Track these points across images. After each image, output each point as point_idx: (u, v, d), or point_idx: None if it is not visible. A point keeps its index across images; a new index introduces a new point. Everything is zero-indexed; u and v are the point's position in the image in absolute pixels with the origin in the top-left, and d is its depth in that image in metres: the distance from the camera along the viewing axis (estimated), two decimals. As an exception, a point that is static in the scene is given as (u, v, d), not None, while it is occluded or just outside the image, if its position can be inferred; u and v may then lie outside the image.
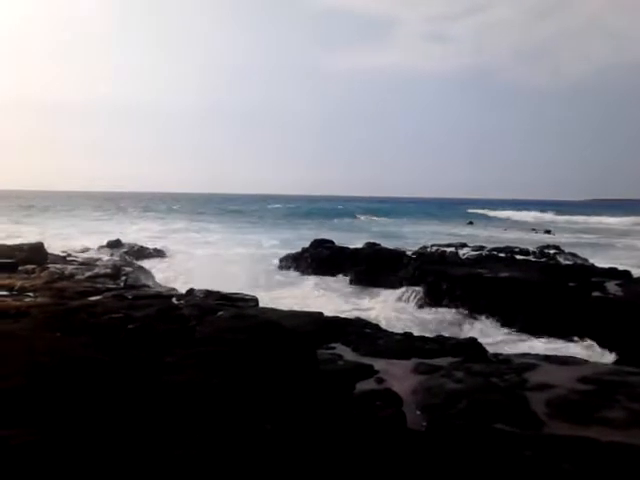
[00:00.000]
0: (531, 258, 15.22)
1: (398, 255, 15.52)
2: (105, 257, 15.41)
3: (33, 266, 10.82)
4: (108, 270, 11.59)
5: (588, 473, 3.38)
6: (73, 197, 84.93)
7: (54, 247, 16.65)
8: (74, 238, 23.57)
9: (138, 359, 4.16)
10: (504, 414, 4.54)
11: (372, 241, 19.27)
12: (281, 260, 18.06)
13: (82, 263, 13.31)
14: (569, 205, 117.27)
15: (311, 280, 15.62)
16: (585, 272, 12.62)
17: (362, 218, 54.72)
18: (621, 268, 13.65)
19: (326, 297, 13.06)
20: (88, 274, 10.98)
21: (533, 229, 40.59)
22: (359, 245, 18.11)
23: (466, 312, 10.70)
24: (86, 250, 17.03)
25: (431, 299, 11.55)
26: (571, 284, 11.16)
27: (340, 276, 15.52)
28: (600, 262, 16.45)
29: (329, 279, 15.58)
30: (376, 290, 13.45)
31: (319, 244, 17.97)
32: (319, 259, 16.81)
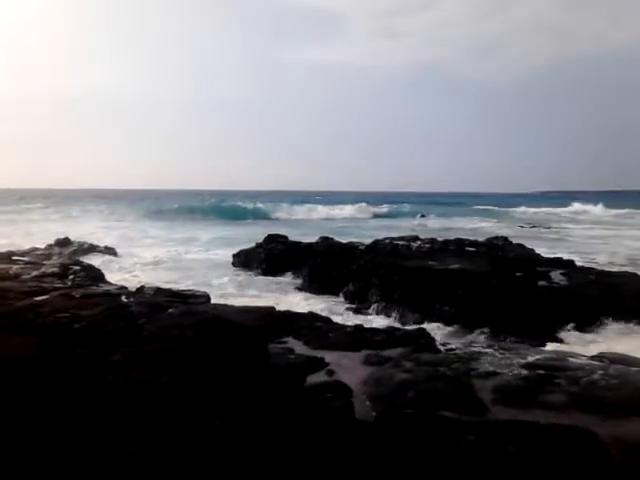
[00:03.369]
0: (480, 249, 15.51)
1: (351, 249, 15.62)
2: (53, 256, 15.07)
3: (-24, 267, 10.49)
4: (55, 269, 11.31)
5: (530, 454, 3.51)
6: (26, 196, 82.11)
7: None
8: (21, 237, 22.95)
9: (82, 358, 4.10)
10: (451, 402, 4.64)
11: (325, 235, 19.37)
12: (234, 256, 17.97)
13: (28, 262, 12.96)
14: (518, 197, 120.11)
15: (264, 276, 15.65)
16: (531, 262, 12.96)
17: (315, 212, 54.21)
18: (566, 257, 14.13)
19: (279, 292, 13.08)
20: (34, 273, 10.69)
21: (482, 222, 41.49)
22: (312, 240, 18.16)
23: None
24: (33, 249, 16.56)
25: (383, 291, 11.67)
26: (518, 274, 11.48)
27: (293, 271, 15.55)
28: (547, 252, 16.99)
29: (282, 274, 15.63)
30: (328, 284, 13.56)
31: (272, 239, 17.95)
32: (273, 254, 16.80)
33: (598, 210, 58.92)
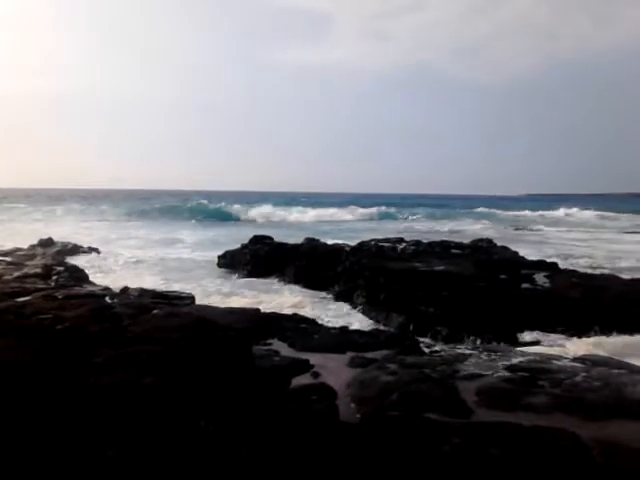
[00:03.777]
0: (465, 252, 15.58)
1: (337, 250, 15.64)
2: (36, 256, 14.95)
3: (-43, 267, 10.37)
4: (38, 270, 11.24)
5: (513, 456, 3.53)
6: (9, 196, 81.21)
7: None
8: (3, 237, 22.73)
9: (64, 360, 4.06)
10: (435, 404, 4.65)
11: (311, 237, 19.39)
12: (219, 257, 17.90)
13: (11, 263, 12.86)
14: (506, 200, 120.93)
15: (250, 277, 15.61)
16: (515, 265, 13.05)
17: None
18: (549, 260, 14.24)
19: (265, 293, 13.04)
20: (17, 274, 10.62)
21: (468, 224, 41.74)
22: (298, 241, 18.16)
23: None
24: (16, 250, 16.42)
25: (368, 293, 11.68)
26: (502, 276, 11.55)
27: (279, 272, 15.53)
28: (530, 254, 17.12)
29: (268, 275, 15.60)
30: (314, 286, 13.56)
31: (258, 240, 17.91)
32: (258, 255, 16.76)
33: (585, 213, 59.49)
